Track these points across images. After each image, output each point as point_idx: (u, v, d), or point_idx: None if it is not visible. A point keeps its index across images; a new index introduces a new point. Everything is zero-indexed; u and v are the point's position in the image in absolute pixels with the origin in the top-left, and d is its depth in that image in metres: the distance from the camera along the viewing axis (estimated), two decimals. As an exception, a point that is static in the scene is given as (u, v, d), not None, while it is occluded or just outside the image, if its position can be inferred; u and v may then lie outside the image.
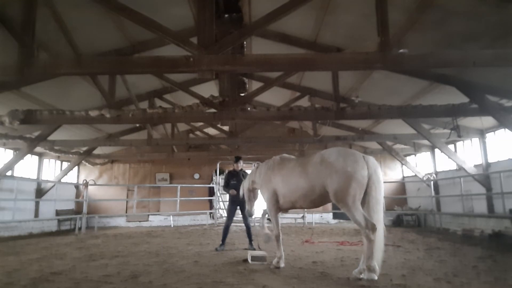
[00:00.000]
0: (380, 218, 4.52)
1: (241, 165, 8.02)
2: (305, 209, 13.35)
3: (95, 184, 15.34)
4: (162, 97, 11.10)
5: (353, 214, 4.56)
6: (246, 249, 7.38)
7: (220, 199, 14.96)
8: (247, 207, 6.66)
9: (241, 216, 8.32)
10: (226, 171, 8.12)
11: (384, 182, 15.12)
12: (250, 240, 7.62)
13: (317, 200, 5.13)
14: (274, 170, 5.64)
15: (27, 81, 7.72)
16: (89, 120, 8.48)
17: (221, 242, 7.57)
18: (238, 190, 7.59)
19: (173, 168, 16.29)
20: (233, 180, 7.73)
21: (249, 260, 5.95)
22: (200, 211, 15.20)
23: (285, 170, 5.44)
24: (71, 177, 15.40)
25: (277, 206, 5.58)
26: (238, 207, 7.77)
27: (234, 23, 7.32)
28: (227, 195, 8.16)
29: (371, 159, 4.74)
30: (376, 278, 4.36)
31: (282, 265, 5.44)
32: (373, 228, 4.41)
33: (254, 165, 6.35)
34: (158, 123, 11.68)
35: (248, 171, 7.25)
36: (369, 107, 8.32)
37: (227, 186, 7.88)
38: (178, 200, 14.12)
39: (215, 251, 7.30)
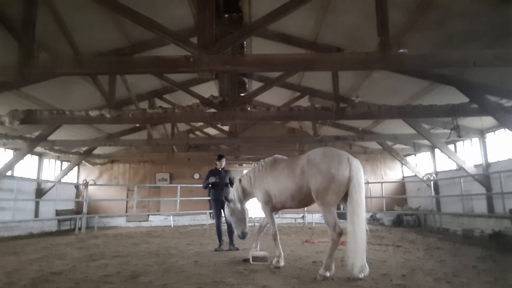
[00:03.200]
0: (360, 221, 4.57)
1: (223, 163, 7.98)
2: (305, 209, 13.41)
3: (95, 184, 15.35)
4: (162, 97, 11.11)
5: (326, 214, 4.76)
6: (226, 250, 7.37)
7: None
8: (237, 232, 6.27)
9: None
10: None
11: (384, 182, 15.05)
12: (231, 240, 7.56)
13: (304, 200, 5.23)
14: (267, 171, 5.69)
15: (27, 81, 7.72)
16: (89, 120, 8.48)
17: (219, 243, 7.56)
18: (219, 188, 7.68)
19: (173, 168, 16.31)
20: (216, 178, 7.71)
21: (250, 261, 5.94)
22: (200, 211, 15.19)
23: (276, 171, 5.52)
24: (71, 177, 15.41)
25: (271, 206, 5.64)
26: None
27: (234, 23, 7.33)
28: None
29: (355, 162, 4.79)
30: (328, 275, 4.61)
31: (281, 263, 5.45)
32: (339, 233, 4.67)
33: (254, 165, 6.27)
34: (158, 123, 11.68)
35: (232, 170, 7.15)
36: (369, 107, 8.31)
37: (206, 181, 7.83)
38: (178, 200, 14.12)
39: (214, 251, 7.29)
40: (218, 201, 7.72)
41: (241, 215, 6.23)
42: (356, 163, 4.79)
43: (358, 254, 4.51)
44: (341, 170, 4.66)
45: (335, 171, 4.66)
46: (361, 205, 4.62)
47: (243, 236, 6.20)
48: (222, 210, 7.73)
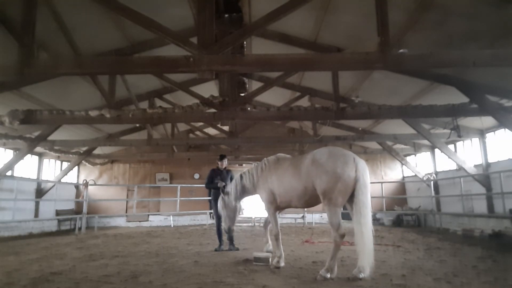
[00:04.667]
0: (366, 221, 4.56)
1: (225, 163, 7.92)
2: (305, 209, 13.41)
3: (95, 184, 15.35)
4: (162, 97, 11.11)
5: (331, 215, 4.73)
6: (227, 250, 7.34)
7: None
8: (224, 225, 6.43)
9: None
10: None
11: (384, 182, 15.05)
12: (231, 240, 7.52)
13: (310, 200, 5.20)
14: (271, 170, 5.65)
15: (27, 81, 7.73)
16: (89, 120, 8.49)
17: (219, 243, 7.53)
18: (219, 188, 7.54)
19: (173, 168, 16.31)
20: (217, 178, 7.60)
21: (253, 261, 5.92)
22: (200, 211, 15.19)
23: (280, 170, 5.48)
24: (71, 177, 15.41)
25: (275, 206, 5.60)
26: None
27: (234, 23, 7.32)
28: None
29: (361, 162, 4.79)
30: (328, 276, 4.58)
31: (282, 264, 5.45)
32: (343, 234, 4.65)
33: (256, 164, 6.18)
34: (158, 123, 11.69)
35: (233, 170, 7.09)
36: (369, 107, 8.32)
37: (210, 183, 7.73)
38: (178, 200, 14.12)
39: (214, 251, 7.29)
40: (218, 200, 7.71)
41: (232, 213, 6.28)
42: (362, 164, 4.78)
43: (367, 255, 4.50)
44: (347, 170, 4.64)
45: (341, 171, 4.63)
46: (368, 206, 4.62)
47: (229, 231, 6.42)
48: None
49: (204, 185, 8.21)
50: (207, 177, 7.93)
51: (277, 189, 5.45)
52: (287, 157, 5.80)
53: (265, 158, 5.97)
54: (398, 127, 11.04)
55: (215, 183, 7.56)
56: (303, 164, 5.10)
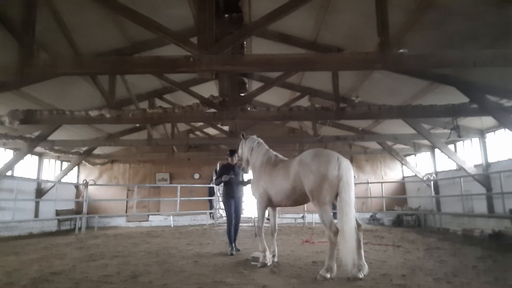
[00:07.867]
0: (349, 220, 4.58)
1: (236, 159, 7.26)
2: (305, 209, 13.42)
3: (95, 184, 15.35)
4: (162, 97, 11.12)
5: (321, 213, 4.81)
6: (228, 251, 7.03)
7: (220, 199, 14.92)
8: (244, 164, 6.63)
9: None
10: (220, 164, 7.82)
11: (384, 182, 14.97)
12: (234, 240, 7.08)
13: (299, 199, 5.38)
14: (266, 170, 5.79)
15: (27, 81, 7.73)
16: (89, 120, 8.48)
17: (230, 246, 6.99)
18: (233, 185, 7.18)
19: (173, 168, 16.30)
20: (230, 174, 7.15)
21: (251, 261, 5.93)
22: (200, 211, 15.20)
23: (274, 172, 5.64)
24: (71, 177, 15.42)
25: (266, 203, 5.81)
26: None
27: (234, 23, 7.32)
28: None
29: (344, 161, 4.87)
30: (328, 276, 4.62)
31: (267, 256, 5.61)
32: (335, 231, 4.66)
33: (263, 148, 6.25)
34: (158, 123, 11.69)
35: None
36: (369, 107, 8.32)
37: (220, 178, 7.21)
38: (178, 200, 14.10)
39: (229, 255, 6.73)
40: (231, 199, 7.17)
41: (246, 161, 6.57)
42: (346, 163, 4.87)
43: (348, 253, 4.51)
44: (331, 168, 4.74)
45: (324, 169, 4.74)
46: (350, 204, 4.67)
47: (245, 171, 6.82)
48: (233, 207, 7.15)
49: (203, 185, 8.14)
50: (218, 173, 7.48)
51: (269, 189, 5.65)
52: (282, 160, 5.90)
53: (271, 152, 6.10)
54: (398, 127, 11.03)
55: (223, 178, 7.09)
56: (292, 166, 5.26)
